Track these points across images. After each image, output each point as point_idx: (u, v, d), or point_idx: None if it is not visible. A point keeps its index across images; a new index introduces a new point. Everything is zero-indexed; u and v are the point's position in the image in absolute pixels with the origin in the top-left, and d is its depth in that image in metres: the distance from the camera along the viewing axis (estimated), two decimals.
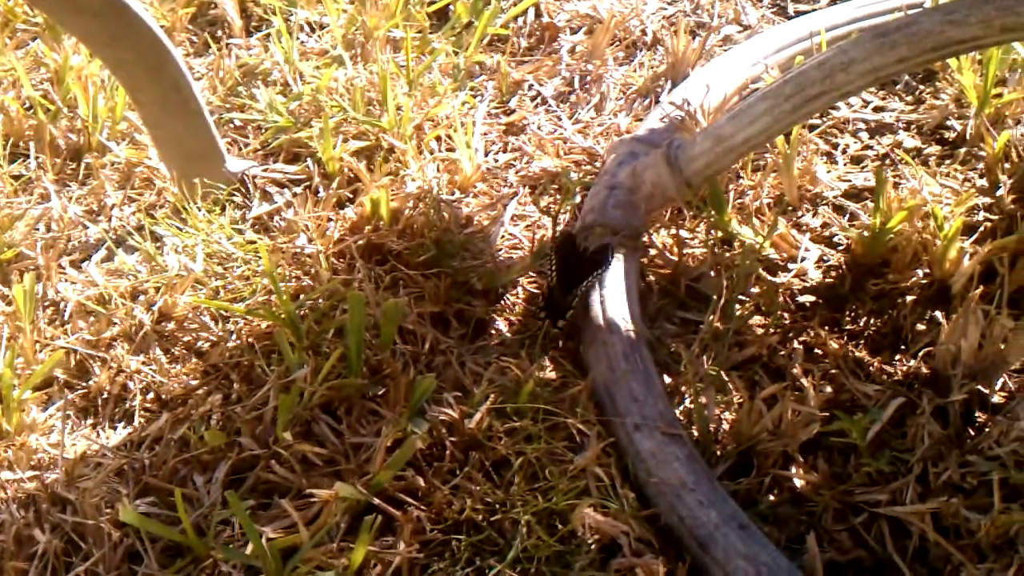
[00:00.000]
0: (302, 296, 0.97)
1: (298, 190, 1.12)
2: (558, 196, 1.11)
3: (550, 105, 1.25)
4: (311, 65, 1.26)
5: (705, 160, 0.98)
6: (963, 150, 1.13)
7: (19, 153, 1.20)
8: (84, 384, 0.94)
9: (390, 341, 0.92)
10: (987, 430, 0.86)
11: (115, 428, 0.91)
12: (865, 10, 1.28)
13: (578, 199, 1.10)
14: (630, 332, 0.92)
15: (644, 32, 1.35)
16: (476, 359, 0.94)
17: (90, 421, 0.91)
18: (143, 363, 0.94)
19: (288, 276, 1.00)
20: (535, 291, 1.01)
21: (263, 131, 1.19)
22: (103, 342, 0.96)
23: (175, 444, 0.87)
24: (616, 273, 0.97)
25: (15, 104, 1.23)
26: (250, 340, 0.94)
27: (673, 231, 1.03)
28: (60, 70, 1.24)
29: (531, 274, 1.02)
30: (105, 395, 0.93)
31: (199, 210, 1.06)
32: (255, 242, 1.03)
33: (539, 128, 1.22)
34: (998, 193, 1.05)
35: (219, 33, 1.37)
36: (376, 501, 0.79)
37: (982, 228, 1.03)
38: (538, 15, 1.38)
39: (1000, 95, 1.15)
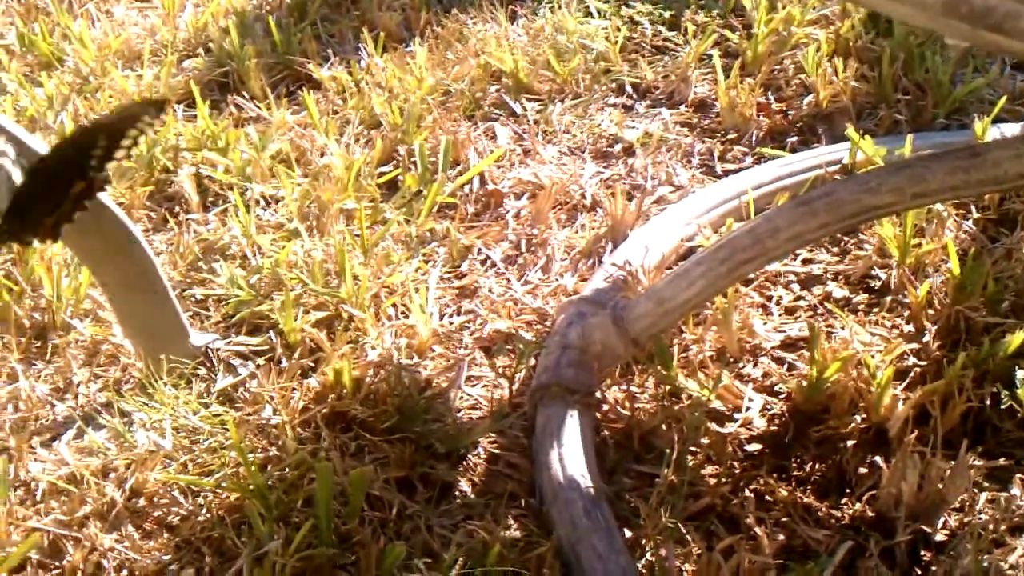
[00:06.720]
0: (270, 467, 1.00)
1: (261, 362, 1.15)
2: (512, 355, 1.16)
3: (499, 268, 1.32)
4: (268, 238, 1.31)
5: (649, 320, 1.04)
6: (889, 298, 1.21)
7: None
8: (58, 564, 0.95)
9: (358, 509, 0.95)
10: (933, 569, 0.91)
11: None
12: (787, 168, 1.37)
13: (532, 360, 1.15)
14: (589, 489, 0.96)
15: (583, 196, 1.42)
16: (443, 522, 0.97)
17: None
18: (116, 540, 0.96)
19: (255, 447, 1.03)
20: (496, 452, 1.05)
21: (224, 304, 1.23)
22: (76, 521, 0.98)
23: None
24: (572, 431, 1.02)
25: None
26: (220, 513, 0.97)
27: (624, 387, 1.09)
28: (22, 251, 1.27)
29: (491, 435, 1.06)
30: (79, 574, 0.94)
31: (165, 385, 1.09)
32: (221, 415, 1.06)
33: (490, 291, 1.27)
34: (924, 339, 1.12)
35: (177, 209, 1.42)
36: None
37: (912, 373, 1.09)
38: (483, 183, 1.45)
39: (919, 245, 1.23)
